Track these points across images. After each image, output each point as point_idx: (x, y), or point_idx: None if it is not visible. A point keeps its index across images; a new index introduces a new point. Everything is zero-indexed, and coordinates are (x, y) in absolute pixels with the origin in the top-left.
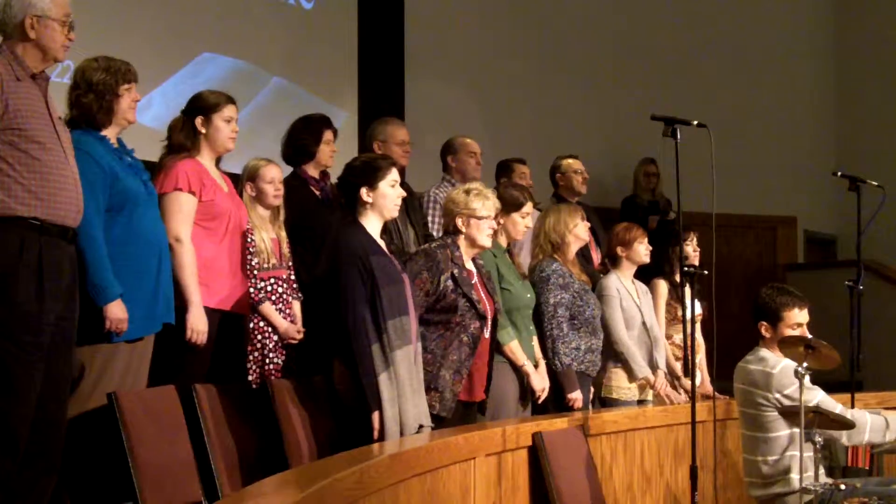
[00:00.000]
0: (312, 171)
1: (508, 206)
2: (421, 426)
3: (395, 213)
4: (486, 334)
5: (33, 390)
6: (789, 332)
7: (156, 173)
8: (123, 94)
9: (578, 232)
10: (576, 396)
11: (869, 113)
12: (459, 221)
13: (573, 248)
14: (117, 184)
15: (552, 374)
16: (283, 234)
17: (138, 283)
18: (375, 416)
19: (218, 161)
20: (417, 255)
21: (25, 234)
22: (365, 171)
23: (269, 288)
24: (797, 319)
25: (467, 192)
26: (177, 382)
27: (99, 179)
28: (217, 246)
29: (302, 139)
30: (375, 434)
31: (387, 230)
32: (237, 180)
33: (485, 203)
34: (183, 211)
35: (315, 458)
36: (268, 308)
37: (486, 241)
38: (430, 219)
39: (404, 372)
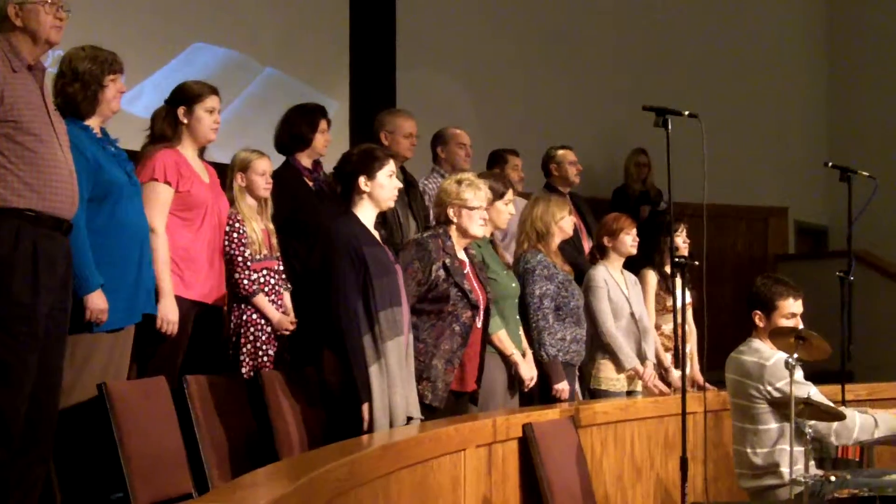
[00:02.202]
0: (305, 160)
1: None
2: (410, 418)
3: (391, 204)
4: (479, 324)
5: (27, 381)
6: (783, 322)
7: (137, 163)
8: (109, 84)
9: (564, 225)
10: (562, 387)
11: (860, 103)
12: (451, 211)
13: (557, 240)
14: (101, 173)
15: (538, 364)
16: (271, 225)
17: (120, 273)
18: (365, 407)
19: (202, 151)
20: (409, 244)
21: (20, 226)
22: (364, 160)
23: (261, 279)
24: (791, 309)
25: (459, 182)
26: (147, 373)
27: (82, 169)
28: (194, 236)
29: (298, 127)
30: (365, 426)
31: (386, 221)
32: (227, 170)
33: (476, 193)
34: (159, 201)
35: (306, 450)
36: (261, 300)
37: (478, 231)
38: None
39: (395, 363)
